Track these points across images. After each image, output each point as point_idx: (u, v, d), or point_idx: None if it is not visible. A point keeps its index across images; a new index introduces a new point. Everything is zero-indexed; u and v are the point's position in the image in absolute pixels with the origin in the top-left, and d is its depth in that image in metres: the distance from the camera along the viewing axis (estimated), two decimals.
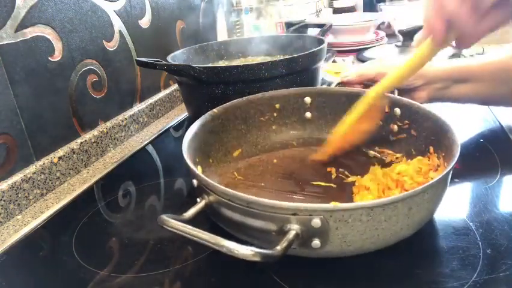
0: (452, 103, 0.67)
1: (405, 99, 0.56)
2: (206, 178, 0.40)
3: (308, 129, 0.62)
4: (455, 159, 0.40)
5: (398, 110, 0.56)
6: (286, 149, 0.61)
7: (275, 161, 0.58)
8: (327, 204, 0.35)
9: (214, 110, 0.55)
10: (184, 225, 0.35)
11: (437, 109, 0.51)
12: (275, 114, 0.61)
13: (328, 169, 0.54)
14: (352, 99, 0.57)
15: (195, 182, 0.43)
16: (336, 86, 0.68)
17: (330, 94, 0.61)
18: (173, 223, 0.36)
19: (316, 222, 0.35)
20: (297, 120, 0.62)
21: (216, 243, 0.33)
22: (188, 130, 0.50)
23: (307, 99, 0.62)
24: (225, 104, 0.57)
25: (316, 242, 0.36)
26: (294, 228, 0.35)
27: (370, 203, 0.34)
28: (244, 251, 0.32)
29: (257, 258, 0.32)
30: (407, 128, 0.55)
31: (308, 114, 0.62)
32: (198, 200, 0.42)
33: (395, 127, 0.56)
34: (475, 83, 0.63)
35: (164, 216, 0.36)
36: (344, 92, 0.61)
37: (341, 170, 0.54)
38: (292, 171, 0.55)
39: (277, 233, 0.36)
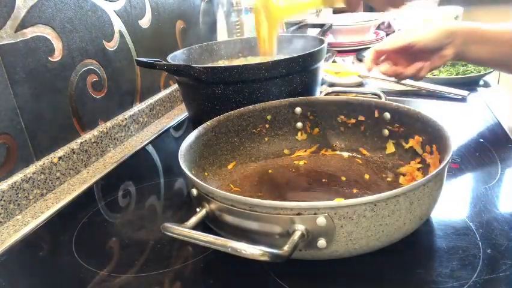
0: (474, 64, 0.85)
1: (393, 104, 0.56)
2: (206, 185, 0.40)
3: (300, 139, 0.63)
4: (450, 152, 0.41)
5: (387, 115, 0.56)
6: (280, 158, 0.62)
7: (270, 171, 0.59)
8: (331, 202, 0.35)
9: (207, 122, 0.56)
10: (189, 230, 0.36)
11: (436, 110, 0.51)
12: (267, 126, 0.62)
13: (323, 180, 0.55)
14: (341, 107, 0.60)
15: (194, 191, 0.42)
16: (325, 94, 0.68)
17: (320, 103, 0.62)
18: (178, 229, 0.36)
19: (321, 220, 0.35)
20: (288, 130, 0.63)
21: (223, 244, 0.33)
22: (182, 143, 0.50)
23: (298, 110, 0.62)
24: (217, 117, 0.57)
25: (322, 242, 0.36)
26: (299, 229, 0.35)
27: (373, 198, 0.35)
28: (252, 251, 0.32)
29: (265, 258, 0.32)
30: (397, 131, 0.55)
31: (299, 124, 0.63)
32: (198, 209, 0.42)
33: (386, 131, 0.57)
34: (492, 46, 0.69)
35: (167, 224, 0.37)
36: (333, 101, 0.61)
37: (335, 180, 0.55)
38: (288, 180, 0.56)
39: (281, 236, 0.36)
